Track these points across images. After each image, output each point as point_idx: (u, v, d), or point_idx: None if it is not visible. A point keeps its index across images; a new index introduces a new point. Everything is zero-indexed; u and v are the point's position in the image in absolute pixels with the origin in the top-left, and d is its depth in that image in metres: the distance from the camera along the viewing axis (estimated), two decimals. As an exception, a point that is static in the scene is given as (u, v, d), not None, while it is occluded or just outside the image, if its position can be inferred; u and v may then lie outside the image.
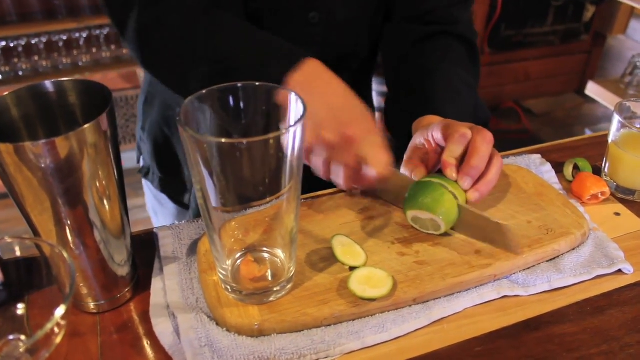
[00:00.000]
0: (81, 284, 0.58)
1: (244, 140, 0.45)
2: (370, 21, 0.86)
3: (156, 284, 0.61)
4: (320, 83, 0.63)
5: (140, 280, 0.63)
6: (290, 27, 0.80)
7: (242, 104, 0.51)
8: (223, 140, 0.45)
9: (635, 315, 0.59)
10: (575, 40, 2.91)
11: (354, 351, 0.54)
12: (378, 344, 0.55)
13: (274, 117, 0.51)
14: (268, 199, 0.52)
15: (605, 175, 0.77)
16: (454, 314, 0.58)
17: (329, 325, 0.55)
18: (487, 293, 0.60)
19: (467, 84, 0.81)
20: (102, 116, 0.50)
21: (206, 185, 0.49)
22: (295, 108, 0.50)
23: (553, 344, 0.56)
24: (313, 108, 0.55)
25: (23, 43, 2.14)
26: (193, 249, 0.64)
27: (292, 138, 0.47)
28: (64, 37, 2.19)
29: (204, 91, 0.49)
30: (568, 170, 0.78)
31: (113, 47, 2.29)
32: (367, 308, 0.56)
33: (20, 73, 2.15)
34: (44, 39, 2.16)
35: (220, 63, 0.66)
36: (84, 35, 2.22)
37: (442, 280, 0.58)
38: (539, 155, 0.80)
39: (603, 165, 0.78)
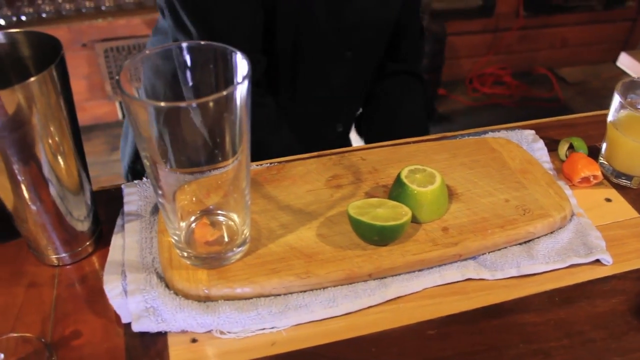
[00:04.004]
0: (39, 238, 0.58)
1: (183, 104, 0.43)
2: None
3: (116, 240, 0.61)
4: None
5: (104, 235, 0.63)
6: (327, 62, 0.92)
7: (188, 65, 0.49)
8: (162, 104, 0.43)
9: (606, 310, 0.56)
10: (619, 7, 2.74)
11: (301, 324, 0.53)
12: (327, 319, 0.54)
13: (220, 76, 0.49)
14: (221, 163, 0.50)
15: (602, 157, 0.73)
16: (412, 293, 0.56)
17: (278, 295, 0.54)
18: (450, 274, 0.57)
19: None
20: (51, 69, 0.49)
21: (153, 150, 0.48)
22: (240, 66, 0.47)
23: (511, 333, 0.54)
24: None
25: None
26: (157, 207, 0.64)
27: (238, 97, 0.45)
28: (89, -20, 2.18)
29: (147, 51, 0.47)
30: (562, 149, 0.73)
31: (137, -9, 2.27)
32: (319, 280, 0.54)
33: (44, 15, 2.15)
34: (68, -19, 2.15)
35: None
36: (109, -22, 2.20)
37: (402, 256, 0.56)
38: (532, 131, 0.76)
39: (602, 147, 0.73)
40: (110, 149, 2.36)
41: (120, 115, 2.53)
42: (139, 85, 0.48)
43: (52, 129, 0.51)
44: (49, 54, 0.51)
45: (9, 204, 0.55)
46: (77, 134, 0.55)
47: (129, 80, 0.47)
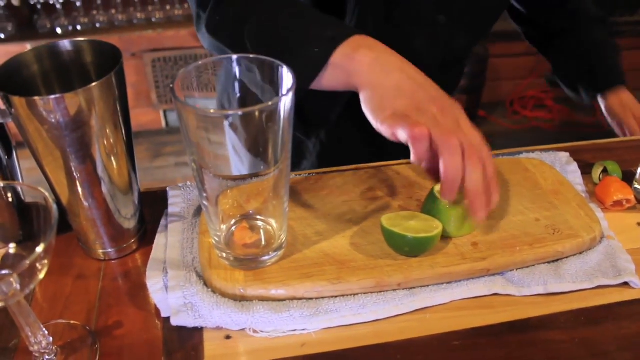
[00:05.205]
0: (89, 232, 0.62)
1: (231, 112, 0.46)
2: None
3: (159, 239, 0.64)
4: (394, 59, 0.61)
5: (148, 234, 0.67)
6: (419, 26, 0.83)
7: (237, 75, 0.52)
8: (211, 111, 0.46)
9: (632, 332, 0.56)
10: (669, 32, 2.70)
11: (330, 327, 0.55)
12: (356, 324, 0.56)
13: (266, 87, 0.52)
14: (262, 171, 0.53)
15: (636, 182, 0.73)
16: (439, 304, 0.58)
17: (310, 299, 0.56)
18: (477, 288, 0.59)
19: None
20: (111, 76, 0.53)
21: (200, 155, 0.51)
22: (286, 79, 0.50)
23: (535, 348, 0.55)
24: (397, 80, 0.58)
25: (102, -4, 2.24)
26: (200, 210, 0.67)
27: (282, 109, 0.48)
28: (140, -7, 2.28)
29: (199, 62, 0.50)
30: (596, 172, 0.74)
31: (186, 5, 2.35)
32: (350, 287, 0.56)
33: (98, 25, 2.25)
34: (121, -6, 2.25)
35: (269, 23, 0.65)
36: (159, -9, 2.30)
37: (431, 268, 0.58)
38: (566, 154, 0.77)
39: (637, 171, 0.73)
40: (153, 155, 2.44)
41: (164, 124, 2.61)
42: (190, 94, 0.52)
43: (108, 131, 0.55)
44: (109, 62, 0.55)
45: (64, 199, 0.59)
46: (129, 137, 0.59)
47: (182, 88, 0.50)
